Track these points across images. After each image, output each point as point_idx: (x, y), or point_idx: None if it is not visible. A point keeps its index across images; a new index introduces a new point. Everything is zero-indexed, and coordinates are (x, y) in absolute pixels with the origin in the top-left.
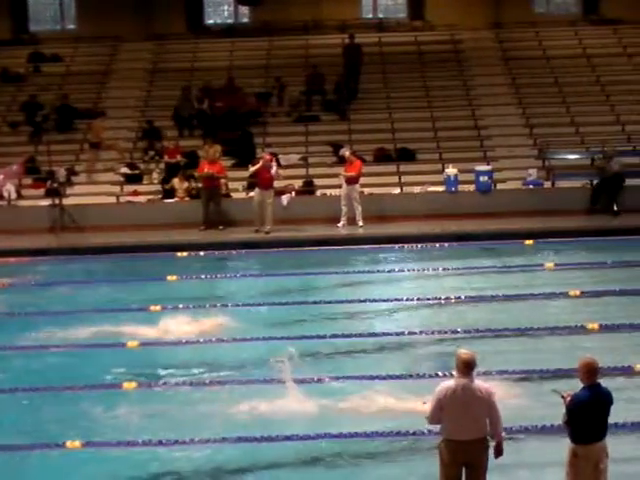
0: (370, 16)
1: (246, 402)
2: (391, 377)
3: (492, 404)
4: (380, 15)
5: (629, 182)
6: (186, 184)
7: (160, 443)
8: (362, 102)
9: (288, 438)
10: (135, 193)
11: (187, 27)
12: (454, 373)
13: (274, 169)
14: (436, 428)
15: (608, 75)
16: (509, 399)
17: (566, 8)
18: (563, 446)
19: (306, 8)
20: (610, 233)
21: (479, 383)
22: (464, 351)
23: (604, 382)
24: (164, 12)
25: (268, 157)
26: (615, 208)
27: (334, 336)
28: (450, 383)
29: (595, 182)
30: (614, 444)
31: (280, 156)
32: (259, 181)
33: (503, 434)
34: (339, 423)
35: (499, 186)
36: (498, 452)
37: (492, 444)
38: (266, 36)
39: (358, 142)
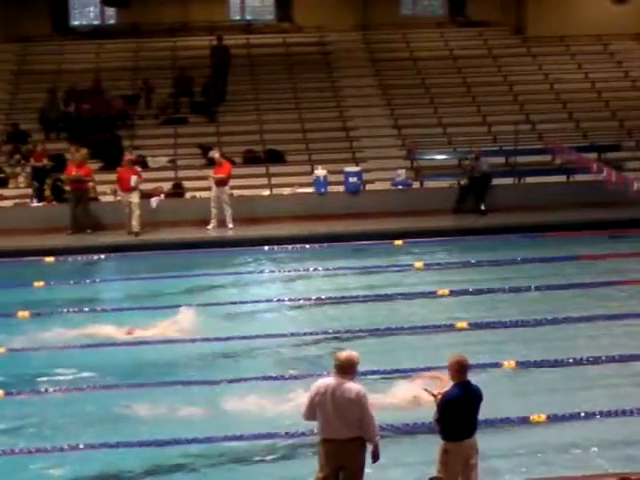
0: (238, 18)
1: (115, 407)
2: (264, 378)
3: (363, 406)
4: (248, 17)
5: (495, 182)
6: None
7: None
8: (231, 104)
9: (155, 443)
10: (0, 197)
11: (53, 29)
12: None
13: (134, 180)
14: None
15: (474, 76)
16: (380, 398)
17: (432, 10)
18: (434, 444)
19: (173, 10)
20: (478, 232)
21: (351, 384)
22: (343, 352)
23: (474, 379)
24: (29, 13)
25: (128, 158)
26: (482, 208)
27: (206, 340)
28: (324, 381)
29: (463, 182)
30: (483, 440)
31: (148, 159)
32: (119, 184)
33: (377, 438)
34: (213, 426)
35: (368, 187)
36: (374, 455)
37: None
38: (133, 38)
39: (227, 144)
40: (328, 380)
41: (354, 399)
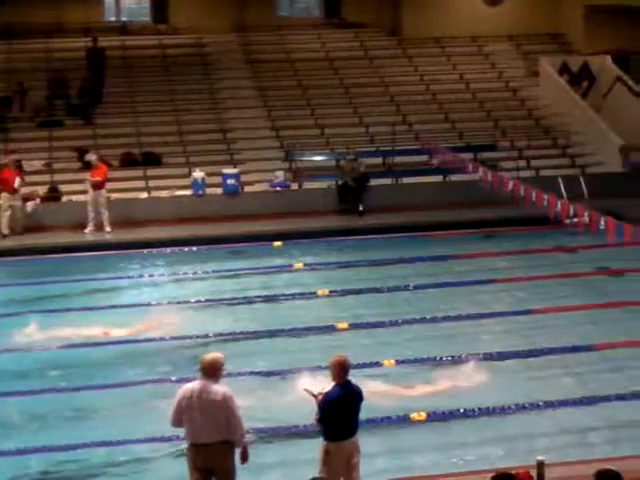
0: (113, 19)
1: None
2: (132, 384)
3: (229, 408)
4: (123, 18)
5: (373, 182)
6: None
7: None
8: (107, 106)
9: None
10: None
11: None
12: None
13: (17, 181)
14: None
15: (351, 78)
16: (260, 400)
17: (308, 12)
18: (316, 444)
19: (47, 11)
20: (356, 233)
21: (217, 387)
22: (207, 354)
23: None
24: None
25: (12, 158)
26: (360, 208)
27: (83, 345)
28: (190, 385)
29: (341, 183)
30: (365, 439)
31: (23, 162)
32: (4, 186)
33: (249, 436)
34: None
35: (247, 189)
36: (243, 457)
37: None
38: (6, 39)
39: (104, 147)
40: (194, 384)
41: (220, 401)
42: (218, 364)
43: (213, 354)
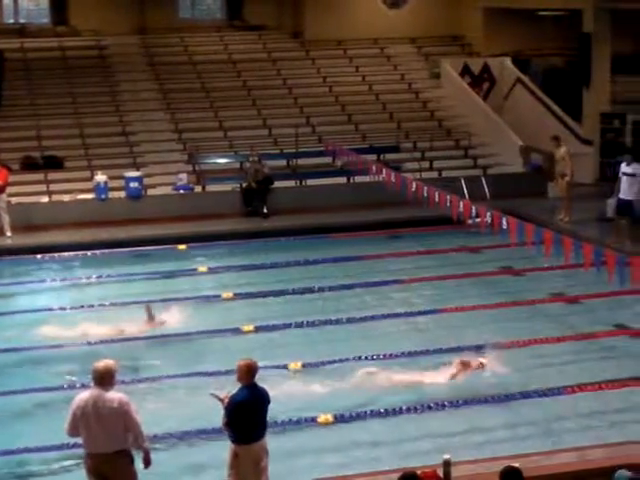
0: (12, 21)
1: None
2: (44, 390)
3: (127, 415)
4: (22, 20)
5: (277, 184)
6: None
7: None
8: (6, 109)
9: None
10: None
11: None
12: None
13: None
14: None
15: (254, 80)
16: (167, 404)
17: (211, 14)
18: (224, 448)
19: None
20: (261, 235)
21: (113, 394)
22: (99, 361)
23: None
24: None
25: None
26: (265, 210)
27: None
28: (85, 394)
29: (245, 185)
30: (273, 441)
31: None
32: None
33: (146, 443)
34: None
35: (150, 192)
36: (146, 462)
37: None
38: None
39: (4, 150)
40: (88, 393)
41: (117, 408)
42: (112, 371)
43: (105, 361)
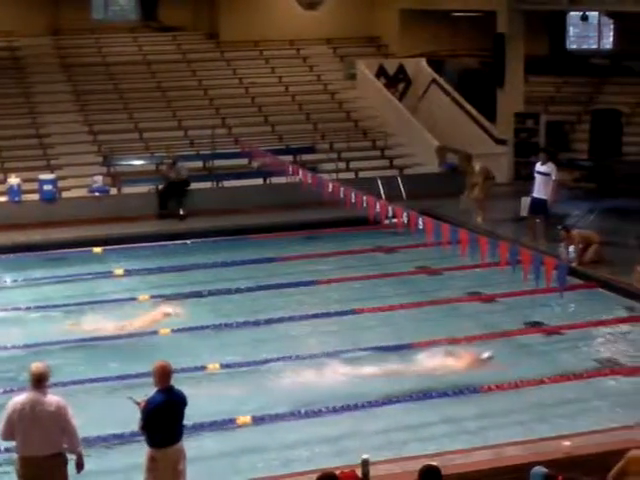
0: None
1: None
2: None
3: (64, 417)
4: None
5: (194, 186)
6: None
7: None
8: None
9: None
10: None
11: None
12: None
13: None
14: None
15: (169, 81)
16: (79, 409)
17: (125, 15)
18: (142, 451)
19: None
20: (178, 237)
21: (50, 397)
22: (36, 364)
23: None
24: None
25: None
26: (181, 212)
27: None
28: (20, 397)
29: (161, 187)
30: (191, 444)
31: None
32: None
33: (80, 447)
34: None
35: (65, 194)
36: (79, 466)
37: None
38: None
39: None
40: (24, 396)
41: (55, 412)
42: (47, 375)
43: (40, 364)
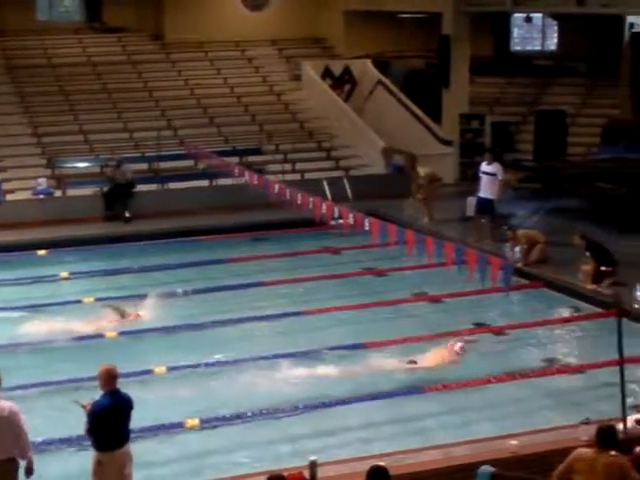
0: None
1: None
2: None
3: (17, 423)
4: None
5: (140, 188)
6: None
7: None
8: None
9: None
10: None
11: None
12: None
13: None
14: None
15: (114, 83)
16: (33, 413)
17: (69, 17)
18: (89, 455)
19: None
20: (123, 239)
21: (3, 402)
22: None
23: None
24: None
25: None
26: (127, 215)
27: None
28: None
29: (106, 189)
30: (139, 447)
31: None
32: None
33: (30, 453)
34: None
35: (8, 197)
36: (28, 471)
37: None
38: None
39: None
40: None
41: (7, 417)
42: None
43: None
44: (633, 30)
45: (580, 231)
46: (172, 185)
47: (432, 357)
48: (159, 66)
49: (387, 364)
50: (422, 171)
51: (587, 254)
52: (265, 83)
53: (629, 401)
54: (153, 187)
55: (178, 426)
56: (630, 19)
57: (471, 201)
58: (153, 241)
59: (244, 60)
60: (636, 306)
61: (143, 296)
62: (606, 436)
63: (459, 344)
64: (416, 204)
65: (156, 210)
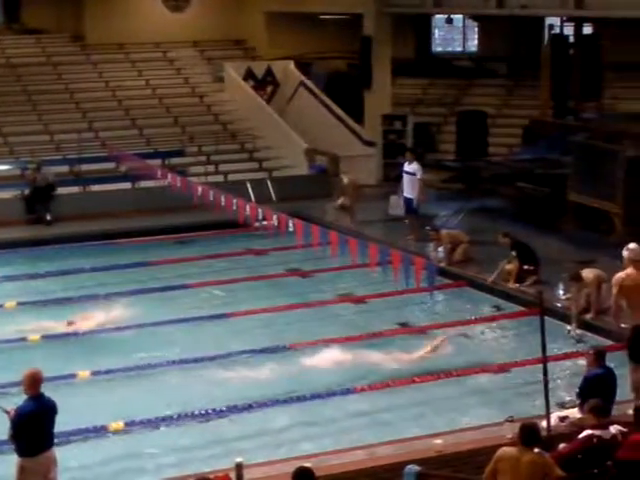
0: None
1: None
2: None
3: None
4: None
5: (61, 191)
6: None
7: None
8: None
9: None
10: None
11: None
12: None
13: None
14: None
15: (34, 84)
16: None
17: None
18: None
19: None
20: (45, 243)
21: None
22: None
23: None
24: None
25: None
26: (48, 218)
27: None
28: None
29: (27, 192)
30: (63, 452)
31: None
32: None
33: None
34: None
35: None
36: None
37: None
38: None
39: None
40: None
41: None
42: None
43: None
44: (553, 32)
45: (505, 230)
46: (94, 188)
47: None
48: (80, 68)
49: (313, 365)
50: (345, 178)
51: (513, 253)
52: (187, 85)
53: (552, 399)
54: (75, 190)
55: (102, 430)
56: (549, 20)
57: (394, 200)
58: (75, 244)
59: (166, 62)
60: (558, 304)
61: (69, 299)
62: (529, 434)
63: (440, 338)
64: (337, 208)
65: (78, 213)
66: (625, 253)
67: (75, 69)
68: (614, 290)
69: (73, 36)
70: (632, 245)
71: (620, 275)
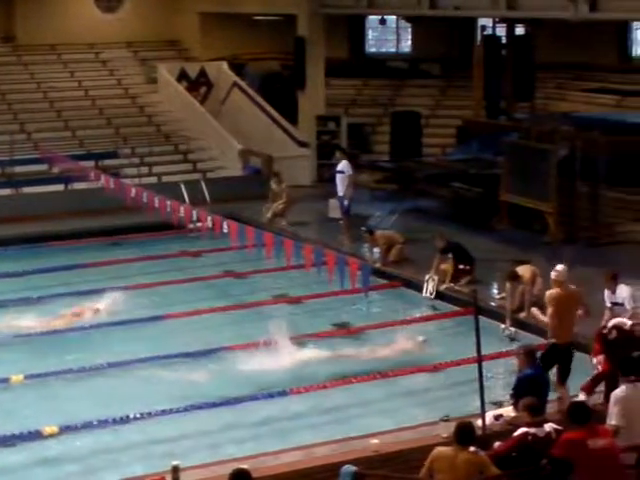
0: None
1: None
2: None
3: None
4: None
5: None
6: None
7: None
8: None
9: None
10: None
11: None
12: None
13: None
14: None
15: None
16: None
17: None
18: None
19: None
20: None
21: None
22: None
23: None
24: None
25: None
26: None
27: None
28: None
29: None
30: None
31: None
32: None
33: None
34: None
35: None
36: None
37: None
38: None
39: None
40: None
41: None
42: None
43: None
44: (485, 32)
45: (440, 232)
46: (26, 190)
47: (395, 346)
48: (11, 68)
49: (249, 367)
50: (281, 185)
51: (449, 255)
52: (120, 86)
53: (488, 397)
54: (7, 192)
55: (36, 434)
56: (482, 21)
57: (333, 203)
58: (7, 247)
59: (98, 63)
60: (492, 303)
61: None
62: (464, 433)
63: (421, 337)
64: (271, 211)
65: (10, 215)
66: (553, 274)
67: (6, 70)
68: (549, 309)
69: (4, 37)
70: (559, 267)
71: (552, 292)
